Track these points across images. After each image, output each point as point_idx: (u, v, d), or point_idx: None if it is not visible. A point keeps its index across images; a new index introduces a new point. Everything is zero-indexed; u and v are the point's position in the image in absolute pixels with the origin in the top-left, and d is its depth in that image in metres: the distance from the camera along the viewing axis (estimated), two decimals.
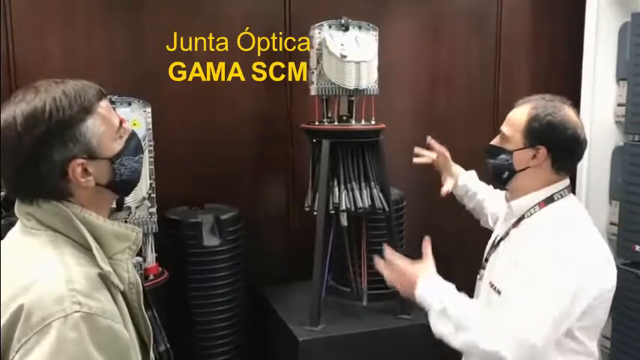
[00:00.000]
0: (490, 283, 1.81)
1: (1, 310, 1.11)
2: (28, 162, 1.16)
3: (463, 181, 2.33)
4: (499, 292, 1.76)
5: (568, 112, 1.74)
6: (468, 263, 3.11)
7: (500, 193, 1.99)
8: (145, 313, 1.30)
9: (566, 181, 1.79)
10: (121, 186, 1.29)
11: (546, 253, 1.63)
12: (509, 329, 1.58)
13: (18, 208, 1.24)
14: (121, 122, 1.28)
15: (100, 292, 1.15)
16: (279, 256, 3.00)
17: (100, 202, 1.28)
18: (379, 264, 1.81)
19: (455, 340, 1.64)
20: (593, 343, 1.73)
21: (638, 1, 3.01)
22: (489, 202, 2.23)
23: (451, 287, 1.72)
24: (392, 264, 1.79)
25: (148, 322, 1.33)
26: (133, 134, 1.31)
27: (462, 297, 1.70)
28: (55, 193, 1.20)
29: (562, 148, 1.73)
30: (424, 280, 1.71)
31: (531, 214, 1.77)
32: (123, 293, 1.23)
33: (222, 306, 2.55)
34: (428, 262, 1.77)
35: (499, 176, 1.80)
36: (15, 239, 1.24)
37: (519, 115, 1.76)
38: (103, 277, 1.18)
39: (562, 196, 1.76)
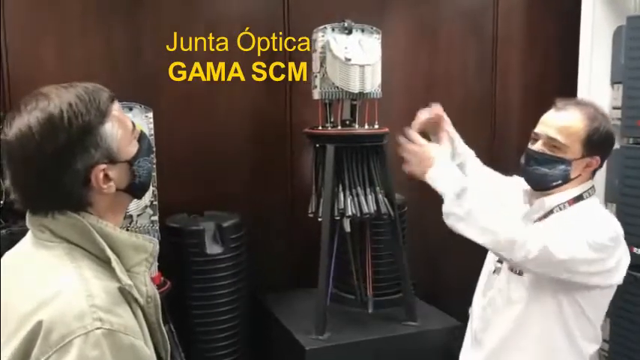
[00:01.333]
0: (509, 267, 1.84)
1: (18, 327, 1.05)
2: (49, 172, 1.10)
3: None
4: (520, 273, 1.80)
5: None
6: (468, 267, 3.11)
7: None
8: (162, 327, 1.25)
9: (592, 182, 1.84)
10: (139, 188, 1.25)
11: (583, 221, 1.71)
12: (530, 230, 1.68)
13: (30, 219, 1.17)
14: (133, 124, 1.23)
15: (121, 307, 1.10)
16: (280, 263, 2.96)
17: (117, 208, 1.23)
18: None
19: (469, 226, 1.70)
20: (599, 329, 1.84)
21: (632, 5, 3.04)
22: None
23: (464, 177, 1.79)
24: (408, 145, 1.84)
25: (166, 338, 1.27)
26: (143, 134, 1.26)
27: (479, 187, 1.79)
28: (76, 202, 1.14)
29: (607, 154, 1.81)
30: (440, 163, 1.77)
31: (560, 209, 1.80)
32: (141, 307, 1.17)
33: (225, 315, 2.50)
34: (444, 145, 1.86)
35: (549, 184, 1.79)
36: (28, 252, 1.18)
37: (575, 123, 1.74)
38: (123, 292, 1.13)
39: (589, 195, 1.82)
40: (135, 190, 1.23)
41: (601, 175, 3.17)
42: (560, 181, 1.78)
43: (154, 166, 2.23)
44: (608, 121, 1.79)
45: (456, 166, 1.82)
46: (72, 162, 1.11)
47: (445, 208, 1.74)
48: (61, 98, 1.11)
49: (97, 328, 1.03)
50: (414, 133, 1.90)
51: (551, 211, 1.81)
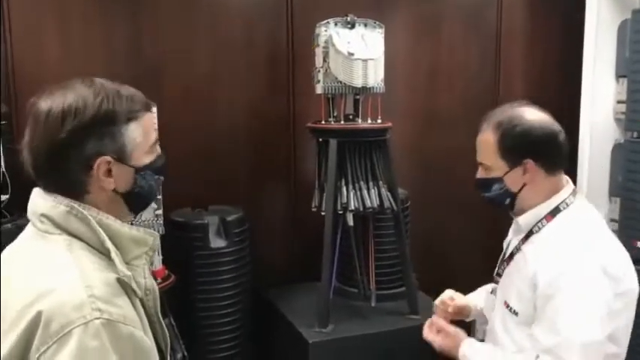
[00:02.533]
0: (505, 303, 1.76)
1: (18, 318, 1.07)
2: (61, 143, 1.14)
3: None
4: (516, 314, 1.71)
5: (530, 112, 1.69)
6: (470, 261, 3.12)
7: None
8: (161, 319, 1.28)
9: (570, 188, 1.73)
10: (137, 199, 1.26)
11: (565, 277, 1.59)
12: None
13: (32, 210, 1.20)
14: (156, 139, 1.27)
15: (120, 298, 1.12)
16: (283, 257, 2.97)
17: (115, 211, 1.23)
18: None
19: None
20: (625, 346, 1.69)
21: None
22: None
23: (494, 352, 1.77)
24: (436, 326, 1.87)
25: (165, 329, 1.30)
26: (161, 155, 1.29)
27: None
28: (73, 184, 1.17)
29: (546, 150, 1.67)
30: (470, 342, 1.78)
31: (539, 228, 1.70)
32: (140, 299, 1.20)
33: (228, 308, 2.52)
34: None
35: (501, 205, 1.74)
36: (28, 244, 1.20)
37: (487, 139, 1.69)
38: (122, 283, 1.15)
39: (567, 205, 1.70)
40: (131, 198, 1.25)
41: (605, 169, 3.19)
42: (508, 199, 1.71)
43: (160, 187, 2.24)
44: (522, 116, 1.66)
45: (483, 345, 1.83)
46: (84, 143, 1.15)
47: None
48: (103, 88, 1.18)
49: (97, 318, 1.05)
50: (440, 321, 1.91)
51: (531, 231, 1.72)
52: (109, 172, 1.18)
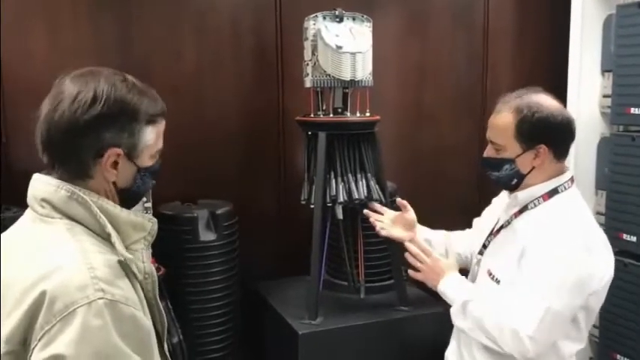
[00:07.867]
0: (489, 271, 1.84)
1: (21, 298, 1.09)
2: (82, 122, 1.18)
3: (422, 235, 2.29)
4: (498, 282, 1.80)
5: (547, 100, 1.78)
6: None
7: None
8: (159, 304, 1.32)
9: (569, 174, 1.82)
10: (131, 196, 1.32)
11: (550, 247, 1.68)
12: (505, 322, 1.67)
13: (32, 195, 1.23)
14: (161, 147, 1.34)
15: (121, 280, 1.16)
16: (273, 251, 2.97)
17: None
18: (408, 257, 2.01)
19: (473, 335, 1.78)
20: (586, 330, 1.83)
21: None
22: (455, 243, 2.25)
23: (472, 287, 1.85)
24: (420, 257, 1.95)
25: (163, 313, 1.34)
26: (159, 162, 1.36)
27: (480, 297, 1.79)
28: (80, 166, 1.21)
29: (559, 138, 1.77)
30: (449, 277, 1.85)
31: (535, 205, 1.79)
32: (139, 283, 1.23)
33: (218, 301, 2.52)
34: (451, 260, 1.94)
35: (508, 184, 1.83)
36: (27, 228, 1.23)
37: (505, 121, 1.77)
38: (123, 265, 1.18)
39: (565, 189, 1.80)
40: (127, 195, 1.31)
41: (590, 163, 3.23)
42: (515, 180, 1.80)
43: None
44: (541, 104, 1.74)
45: (463, 278, 1.91)
46: (104, 131, 1.20)
47: (451, 316, 1.85)
48: (136, 85, 1.26)
49: (100, 299, 1.09)
50: (424, 245, 2.03)
51: (525, 207, 1.81)
52: (115, 165, 1.23)
